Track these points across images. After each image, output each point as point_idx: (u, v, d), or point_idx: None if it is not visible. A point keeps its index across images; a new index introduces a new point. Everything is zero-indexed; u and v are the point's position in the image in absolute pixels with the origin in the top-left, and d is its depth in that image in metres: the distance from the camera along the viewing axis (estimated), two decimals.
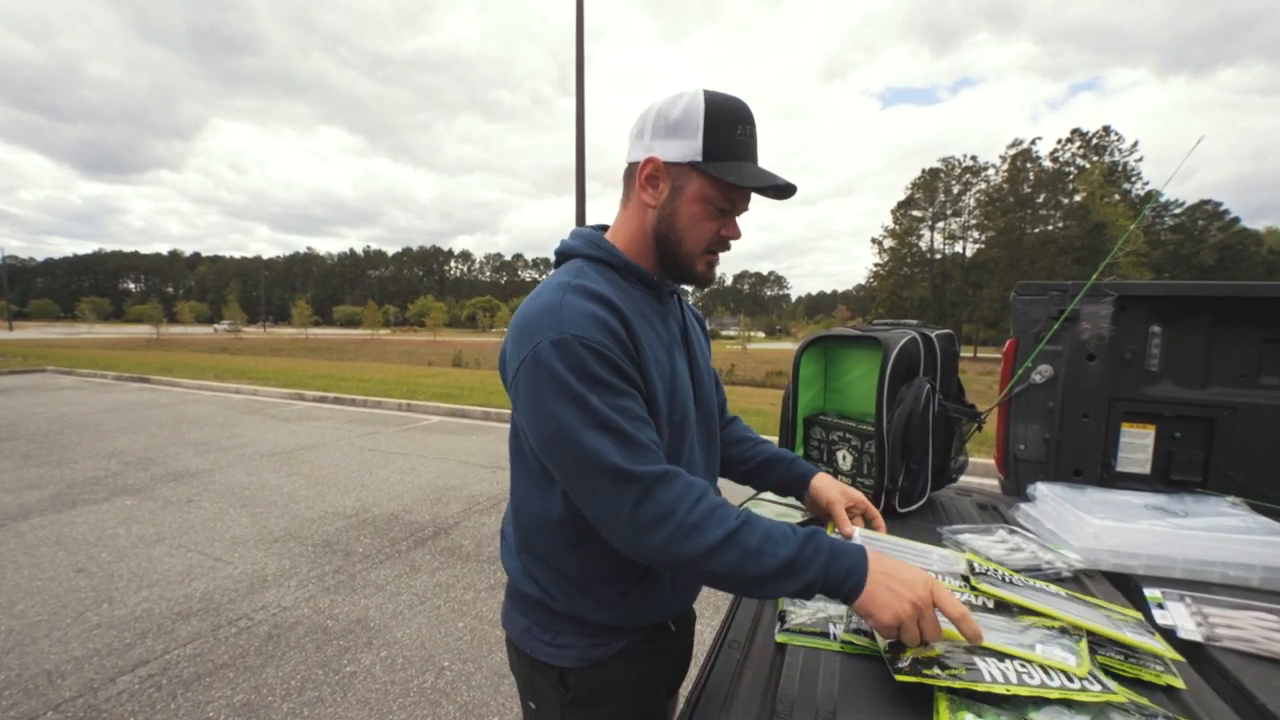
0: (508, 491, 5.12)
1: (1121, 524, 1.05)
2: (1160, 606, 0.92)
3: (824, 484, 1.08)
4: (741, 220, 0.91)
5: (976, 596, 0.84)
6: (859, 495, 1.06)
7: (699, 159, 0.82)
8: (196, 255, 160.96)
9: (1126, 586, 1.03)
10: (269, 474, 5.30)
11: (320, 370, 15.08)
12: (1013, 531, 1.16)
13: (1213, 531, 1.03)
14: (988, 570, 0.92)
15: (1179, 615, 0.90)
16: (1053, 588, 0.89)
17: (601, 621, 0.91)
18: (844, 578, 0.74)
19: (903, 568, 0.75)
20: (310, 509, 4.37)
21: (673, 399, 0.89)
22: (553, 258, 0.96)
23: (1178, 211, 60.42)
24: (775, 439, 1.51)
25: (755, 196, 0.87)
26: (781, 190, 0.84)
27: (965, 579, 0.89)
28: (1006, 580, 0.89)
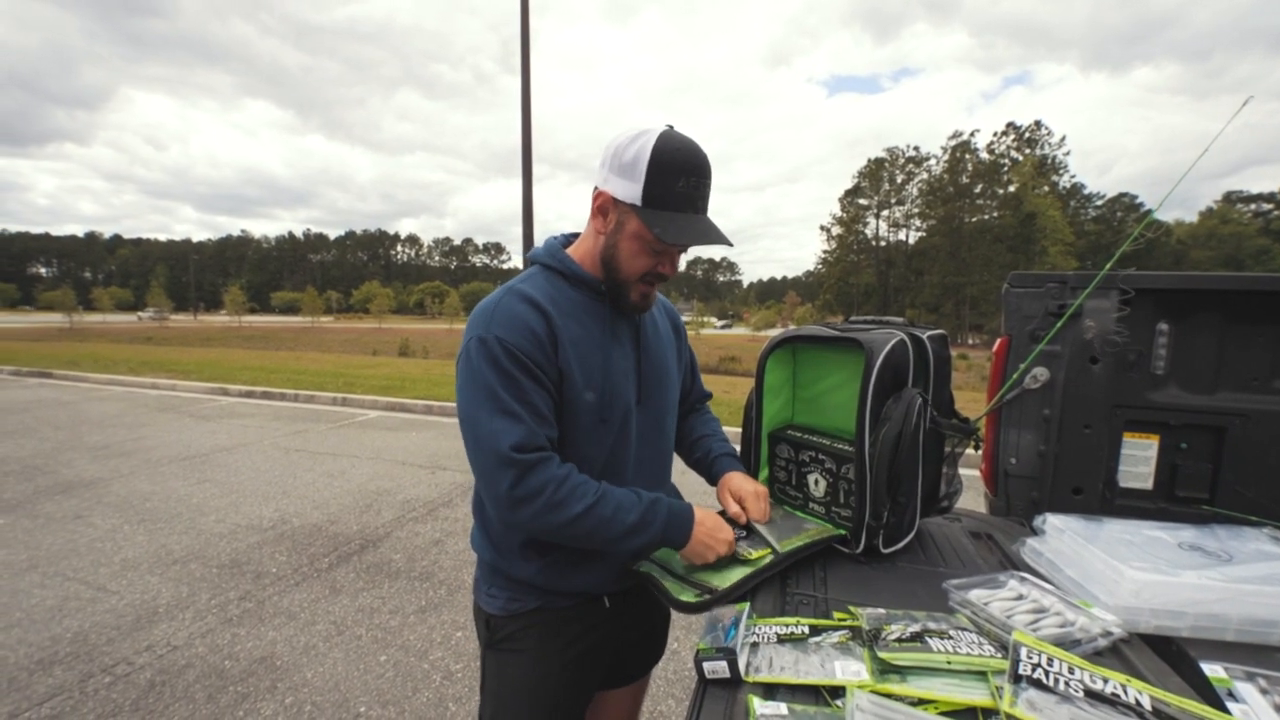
0: (446, 495, 4.71)
1: (1165, 577, 0.85)
2: (1231, 696, 0.72)
3: (727, 482, 1.17)
4: None
5: None
6: (761, 489, 1.15)
7: (638, 203, 0.90)
8: (117, 237, 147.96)
9: (1169, 654, 0.83)
10: (176, 482, 4.74)
11: (250, 361, 14.02)
12: (1024, 580, 0.95)
13: (1270, 584, 0.85)
14: (1041, 662, 0.69)
15: (1258, 707, 0.70)
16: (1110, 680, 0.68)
17: (523, 579, 1.03)
18: (677, 536, 0.97)
19: (718, 527, 1.01)
20: (220, 522, 3.90)
21: (603, 395, 0.98)
22: (513, 249, 0.97)
23: (1099, 204, 64.30)
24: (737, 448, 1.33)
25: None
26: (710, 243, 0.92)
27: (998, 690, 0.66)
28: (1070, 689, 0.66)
